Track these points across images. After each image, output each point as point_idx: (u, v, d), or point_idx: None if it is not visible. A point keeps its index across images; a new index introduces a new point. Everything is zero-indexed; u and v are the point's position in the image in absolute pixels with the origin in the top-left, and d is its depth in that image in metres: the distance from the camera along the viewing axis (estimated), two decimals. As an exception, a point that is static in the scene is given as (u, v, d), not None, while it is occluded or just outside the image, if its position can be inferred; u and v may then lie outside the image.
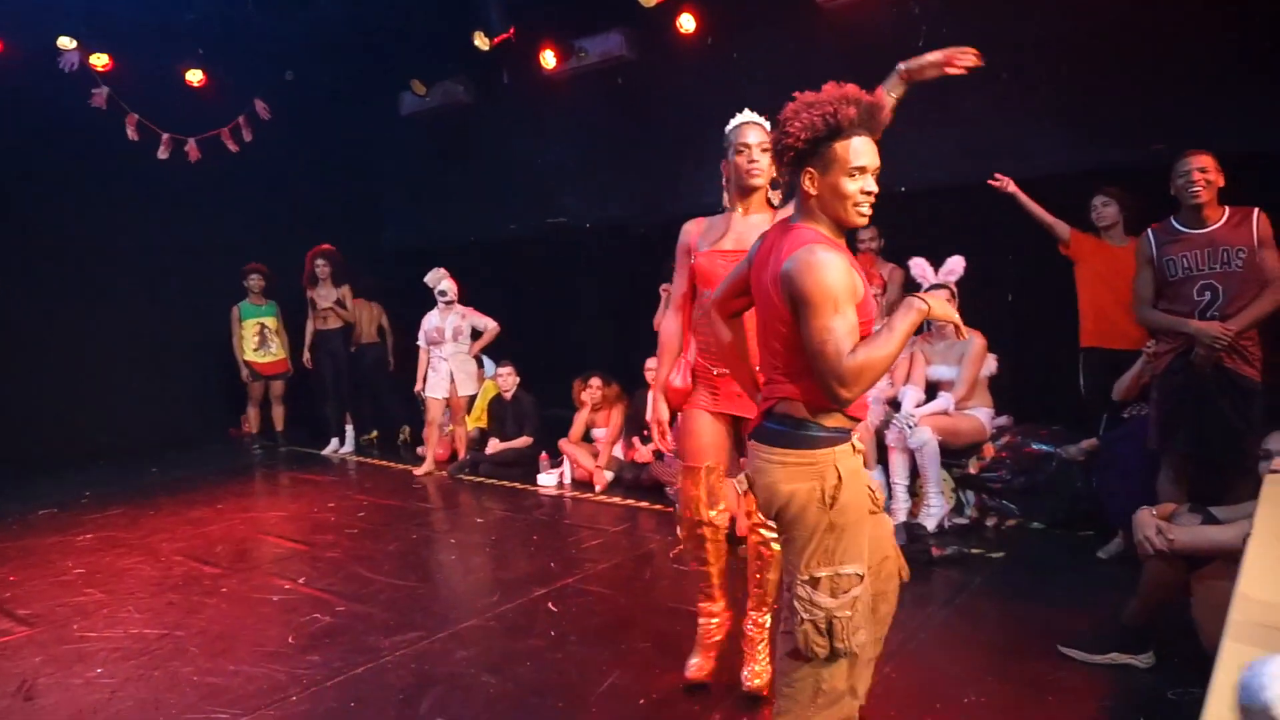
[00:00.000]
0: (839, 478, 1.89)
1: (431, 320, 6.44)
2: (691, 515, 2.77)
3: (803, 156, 1.92)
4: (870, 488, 1.99)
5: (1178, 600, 2.67)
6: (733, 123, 2.68)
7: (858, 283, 1.86)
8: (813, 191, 1.92)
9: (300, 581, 4.06)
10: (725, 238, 2.66)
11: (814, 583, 1.91)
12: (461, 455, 6.47)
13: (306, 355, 7.44)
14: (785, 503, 1.91)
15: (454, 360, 6.40)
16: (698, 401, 2.75)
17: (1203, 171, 3.31)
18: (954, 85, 5.21)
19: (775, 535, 2.58)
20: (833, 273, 1.80)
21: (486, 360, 6.98)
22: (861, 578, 1.91)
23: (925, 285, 4.50)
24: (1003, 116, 5.17)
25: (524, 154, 7.73)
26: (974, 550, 4.00)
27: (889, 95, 2.28)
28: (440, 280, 6.39)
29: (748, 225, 2.65)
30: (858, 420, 1.99)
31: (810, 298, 1.80)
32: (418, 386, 6.52)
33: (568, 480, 5.96)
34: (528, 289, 7.82)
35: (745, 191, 2.65)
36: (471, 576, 4.11)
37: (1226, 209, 3.37)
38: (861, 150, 1.87)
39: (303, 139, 8.02)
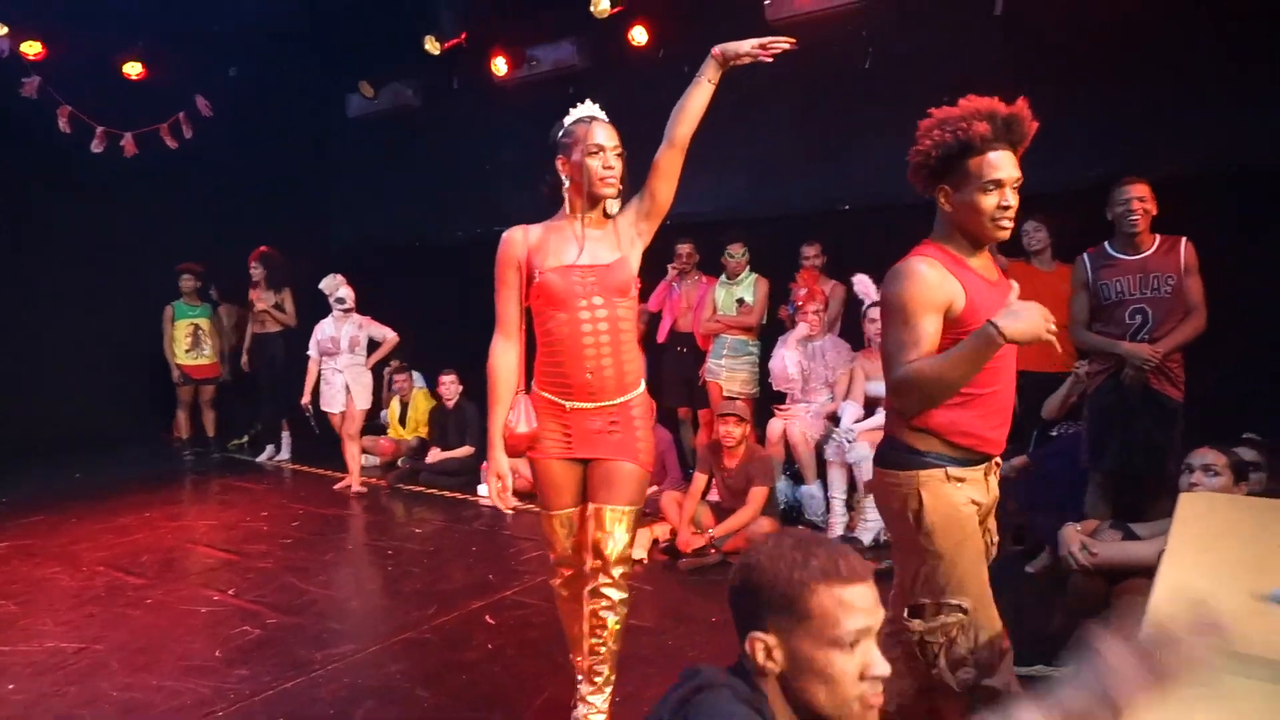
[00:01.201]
0: (920, 502, 1.86)
1: (325, 329, 5.96)
2: (555, 556, 2.49)
3: (936, 173, 1.90)
4: (988, 528, 1.96)
5: (1101, 613, 2.75)
6: (575, 115, 2.34)
7: (957, 297, 1.82)
8: (948, 208, 1.91)
9: (230, 593, 3.95)
10: (573, 251, 2.31)
11: (917, 611, 1.90)
12: (353, 476, 6.02)
13: (244, 359, 7.25)
14: (885, 523, 1.93)
15: (350, 372, 5.93)
16: (547, 449, 2.36)
17: (1140, 200, 3.47)
18: (898, 105, 5.33)
19: (621, 594, 2.34)
20: (912, 284, 1.82)
21: (416, 373, 6.92)
22: (966, 611, 1.87)
23: (867, 302, 4.58)
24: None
25: (473, 159, 7.67)
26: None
27: (704, 79, 2.24)
28: (338, 287, 5.95)
29: (596, 237, 2.34)
30: (973, 450, 1.91)
31: (886, 307, 1.86)
32: (304, 399, 6.02)
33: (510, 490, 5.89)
34: (474, 295, 7.70)
35: (594, 200, 2.32)
36: (408, 588, 4.04)
37: (1157, 236, 3.53)
38: (998, 164, 1.83)
39: (247, 137, 7.84)
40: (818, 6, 5.38)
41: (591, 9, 5.78)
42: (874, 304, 4.53)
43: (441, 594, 3.90)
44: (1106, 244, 3.63)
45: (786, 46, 2.23)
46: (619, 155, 2.30)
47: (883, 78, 5.37)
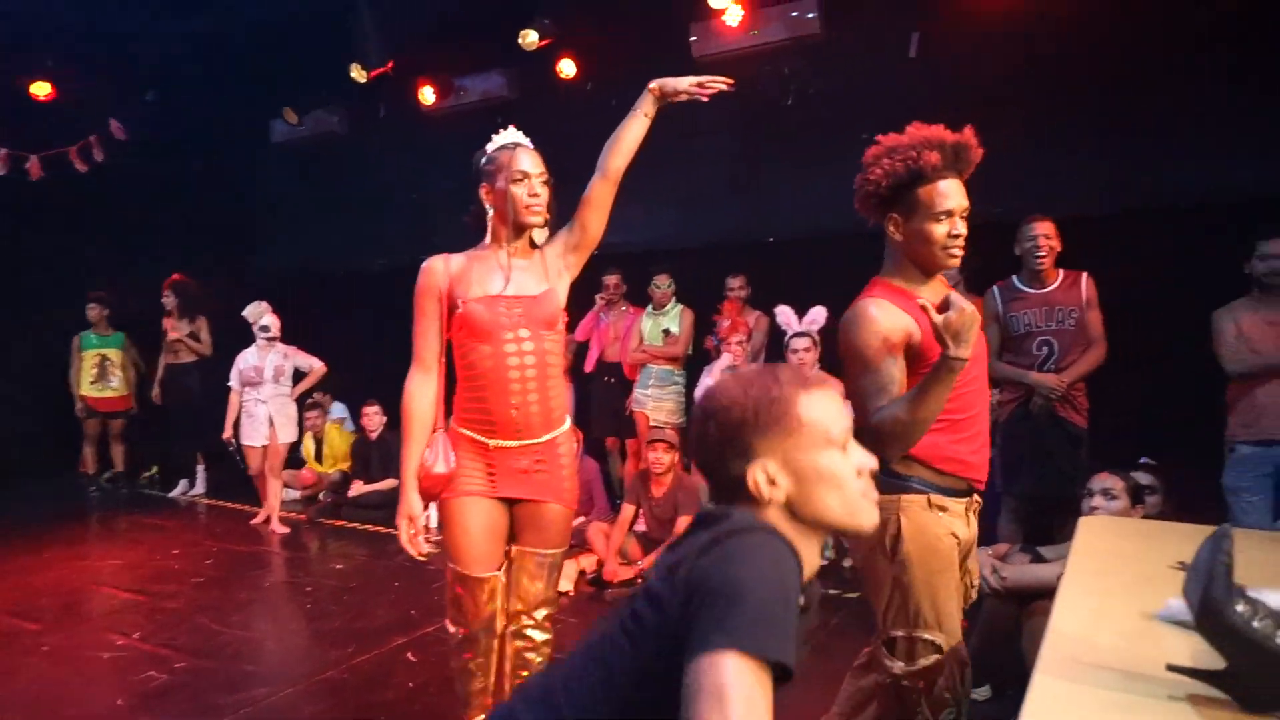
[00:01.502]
0: (898, 528, 1.82)
1: (248, 359, 5.71)
2: (468, 630, 2.25)
3: (886, 202, 1.88)
4: (967, 569, 1.92)
5: (1012, 636, 2.84)
6: (499, 142, 2.28)
7: (913, 332, 1.82)
8: (898, 237, 1.90)
9: (135, 636, 3.77)
10: (499, 281, 2.21)
11: (890, 645, 1.85)
12: (273, 512, 5.76)
13: (156, 390, 6.97)
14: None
15: (274, 403, 5.69)
16: (467, 486, 2.20)
17: (1047, 238, 3.67)
18: (820, 142, 5.51)
19: (545, 635, 2.29)
20: (865, 329, 1.81)
21: (337, 404, 6.76)
22: (940, 650, 1.82)
23: (789, 333, 4.67)
24: (860, 172, 5.46)
25: (400, 188, 7.60)
26: (832, 590, 4.13)
27: (640, 113, 2.22)
28: (262, 315, 5.70)
29: (522, 268, 2.25)
30: (958, 477, 1.88)
31: (846, 355, 1.84)
32: (226, 433, 5.74)
33: (434, 524, 5.79)
34: (399, 325, 7.60)
35: (519, 229, 2.23)
36: (326, 626, 3.92)
37: (1061, 271, 3.74)
38: (948, 193, 1.84)
39: (164, 162, 7.61)
40: (742, 45, 5.53)
41: (520, 41, 5.81)
42: (797, 334, 4.62)
43: (362, 632, 3.79)
44: (1014, 278, 3.80)
45: (723, 87, 2.22)
46: (545, 183, 2.23)
47: (805, 115, 5.53)
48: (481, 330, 2.16)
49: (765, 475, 1.15)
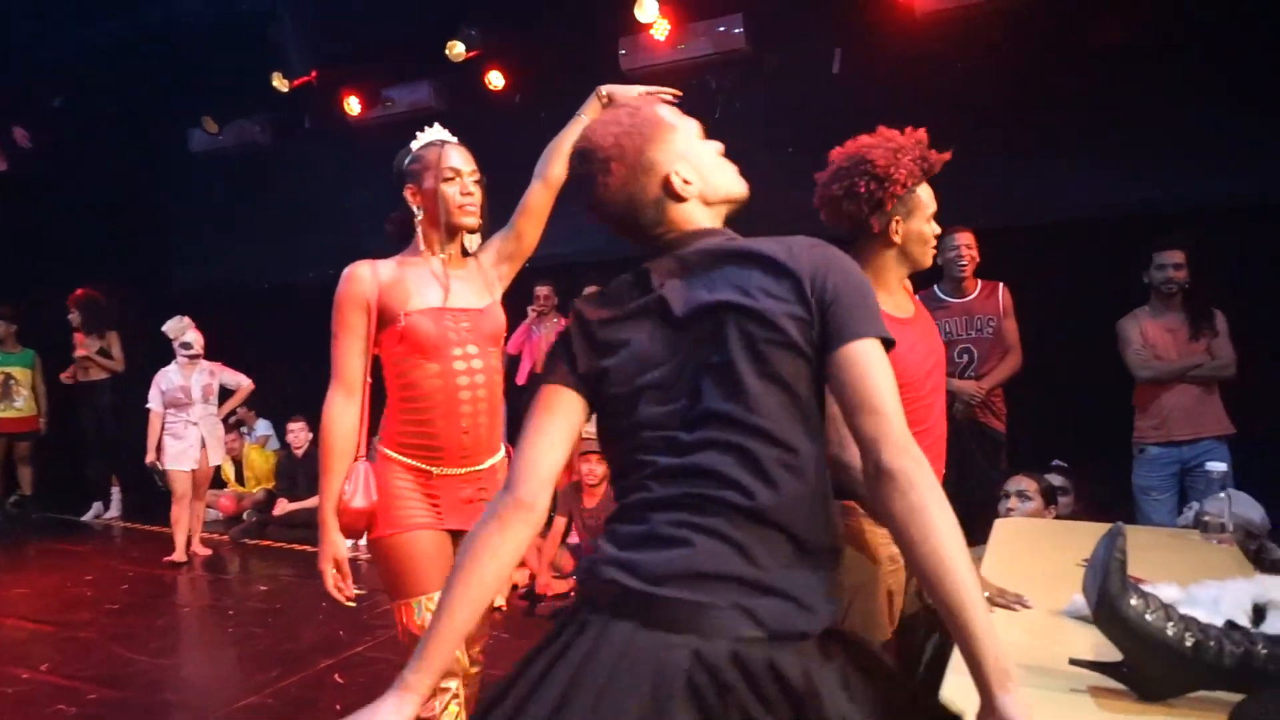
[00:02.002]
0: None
1: (172, 379, 5.36)
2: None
3: (881, 205, 1.88)
4: (894, 599, 1.92)
5: (931, 638, 2.91)
6: (424, 140, 2.10)
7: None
8: (897, 239, 1.91)
9: (43, 668, 3.59)
10: (438, 292, 2.02)
11: None
12: (191, 531, 5.45)
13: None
14: None
15: (205, 424, 5.41)
16: (414, 518, 1.96)
17: (968, 248, 3.80)
18: (746, 155, 5.56)
19: (475, 669, 2.12)
20: None
21: (262, 421, 6.59)
22: None
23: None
24: (793, 185, 5.57)
25: (327, 199, 7.45)
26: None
27: (584, 118, 2.10)
28: (184, 330, 5.39)
29: (460, 277, 2.08)
30: None
31: None
32: (149, 457, 5.32)
33: (363, 541, 5.68)
34: (326, 340, 7.48)
35: (452, 231, 2.05)
36: (250, 650, 3.80)
37: (980, 281, 3.87)
38: (929, 200, 1.95)
39: (74, 171, 7.32)
40: (670, 59, 5.60)
41: (447, 52, 5.78)
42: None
43: (287, 654, 3.69)
44: (936, 287, 3.92)
45: (669, 98, 2.07)
46: (477, 182, 2.05)
47: (733, 129, 5.59)
48: (428, 346, 1.96)
49: (680, 178, 1.28)
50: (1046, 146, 4.79)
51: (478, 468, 2.02)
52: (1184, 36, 4.52)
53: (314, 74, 6.38)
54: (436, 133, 2.11)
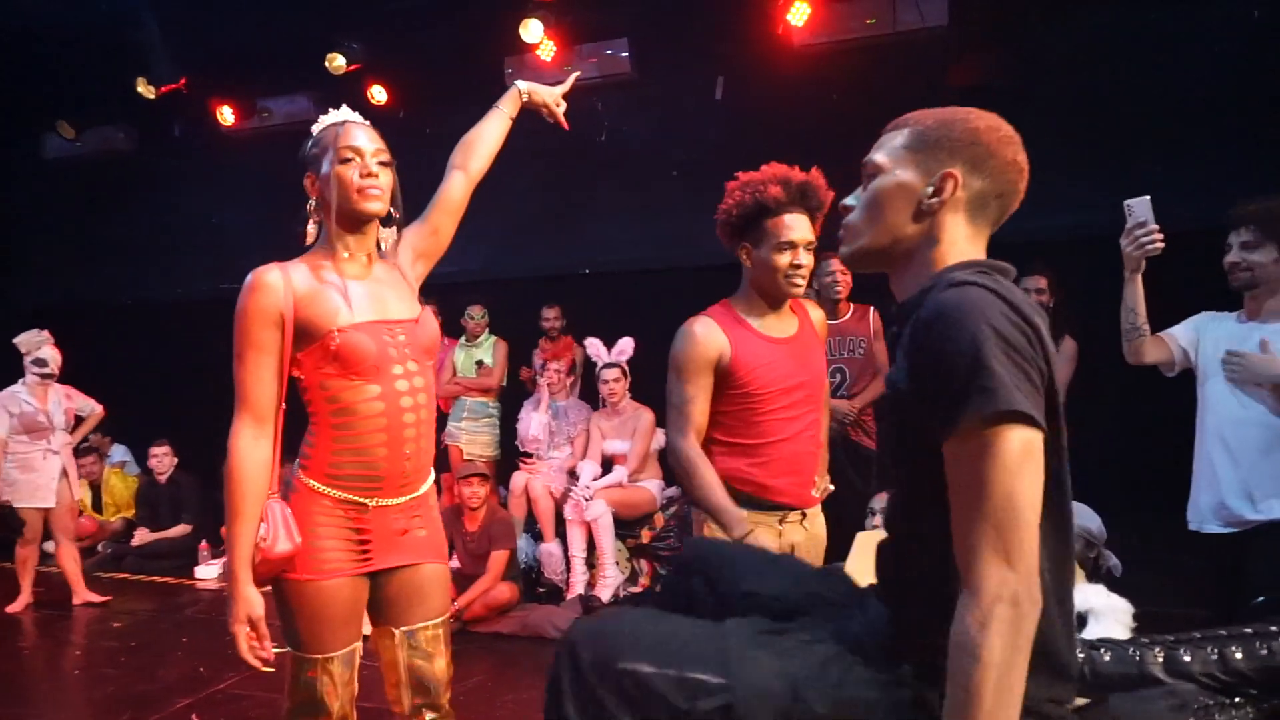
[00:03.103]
0: (701, 531, 2.08)
1: (23, 401, 4.70)
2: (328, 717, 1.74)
3: (738, 231, 2.04)
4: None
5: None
6: (326, 121, 1.81)
7: (724, 353, 2.04)
8: (748, 264, 2.06)
9: None
10: (365, 301, 1.76)
11: None
12: (78, 584, 4.85)
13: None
14: None
15: (65, 453, 4.83)
16: (331, 563, 1.71)
17: (843, 273, 3.97)
18: (632, 178, 5.65)
19: None
20: (681, 342, 2.07)
21: (118, 446, 6.21)
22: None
23: (599, 364, 4.76)
24: (677, 208, 5.68)
25: (197, 212, 7.12)
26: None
27: (502, 111, 2.04)
28: (40, 346, 4.75)
29: (381, 280, 1.82)
30: (754, 497, 2.07)
31: (669, 363, 2.08)
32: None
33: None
34: (194, 358, 7.12)
35: (355, 221, 1.76)
36: (99, 693, 3.54)
37: (852, 305, 4.02)
38: (792, 225, 2.00)
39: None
40: (555, 80, 5.59)
41: (327, 65, 5.63)
42: (607, 365, 4.71)
43: (140, 696, 3.45)
44: None
45: (563, 124, 2.14)
46: (383, 163, 1.76)
47: (618, 151, 5.68)
48: (367, 367, 1.70)
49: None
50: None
51: (414, 495, 1.81)
52: (1038, 80, 4.88)
53: (183, 81, 6.10)
54: (342, 114, 1.83)
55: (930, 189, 1.18)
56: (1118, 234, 2.26)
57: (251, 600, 1.66)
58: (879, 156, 1.25)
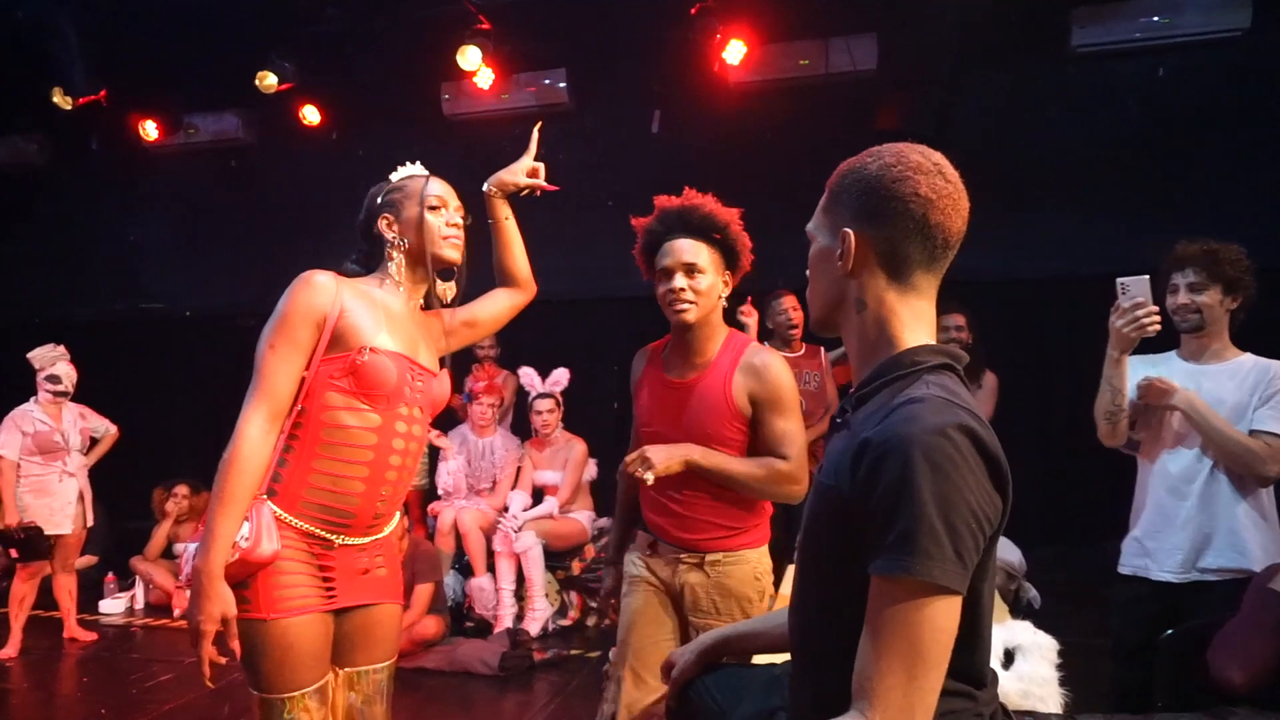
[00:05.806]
0: None
1: (40, 420, 4.43)
2: None
3: (648, 269, 2.11)
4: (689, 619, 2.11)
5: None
6: (405, 172, 1.92)
7: (635, 388, 2.19)
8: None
9: None
10: (407, 338, 1.80)
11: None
12: (70, 617, 4.57)
13: None
14: None
15: (82, 477, 4.57)
16: (293, 599, 1.64)
17: (795, 310, 4.17)
18: (568, 209, 5.65)
19: None
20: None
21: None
22: (609, 660, 2.06)
23: (532, 394, 4.72)
24: (612, 239, 5.69)
25: (113, 229, 6.85)
26: (574, 651, 4.14)
27: (499, 222, 2.07)
28: (56, 361, 4.49)
29: (423, 328, 1.89)
30: (650, 532, 2.16)
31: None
32: (12, 518, 4.29)
33: (140, 605, 5.15)
34: (106, 381, 6.79)
35: (433, 264, 1.83)
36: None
37: (804, 344, 4.26)
38: (666, 252, 2.03)
39: None
40: (493, 108, 5.62)
41: (257, 83, 5.50)
42: (541, 395, 4.68)
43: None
44: (766, 344, 4.18)
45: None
46: (464, 218, 1.90)
47: (554, 182, 5.66)
48: (382, 393, 1.70)
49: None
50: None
51: (379, 536, 1.79)
52: (957, 126, 5.08)
53: (103, 93, 5.89)
54: (417, 169, 1.94)
55: (839, 252, 1.12)
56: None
57: (227, 598, 1.58)
58: (810, 223, 1.21)
